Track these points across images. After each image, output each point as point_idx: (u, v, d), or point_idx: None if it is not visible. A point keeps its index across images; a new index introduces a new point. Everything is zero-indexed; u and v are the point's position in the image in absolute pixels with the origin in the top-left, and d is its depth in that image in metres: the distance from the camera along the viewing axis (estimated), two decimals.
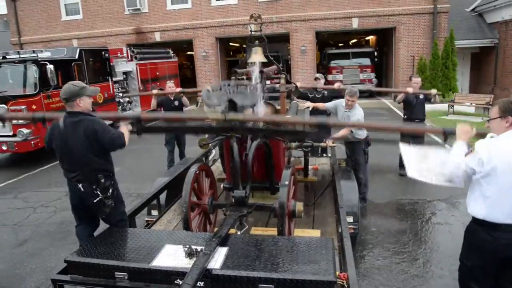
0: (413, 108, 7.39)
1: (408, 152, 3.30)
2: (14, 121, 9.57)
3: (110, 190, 3.51)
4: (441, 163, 3.07)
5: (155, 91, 8.05)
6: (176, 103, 8.02)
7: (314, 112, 6.91)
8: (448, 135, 3.06)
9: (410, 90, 7.17)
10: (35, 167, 9.79)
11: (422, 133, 3.23)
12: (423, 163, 3.19)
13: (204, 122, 3.50)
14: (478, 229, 2.87)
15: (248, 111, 3.60)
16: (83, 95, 3.39)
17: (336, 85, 7.16)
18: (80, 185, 3.43)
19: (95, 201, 3.44)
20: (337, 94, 7.25)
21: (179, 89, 8.42)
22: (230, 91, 3.33)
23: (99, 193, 3.43)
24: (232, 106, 3.33)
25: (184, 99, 8.12)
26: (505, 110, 2.80)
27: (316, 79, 7.52)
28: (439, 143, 3.21)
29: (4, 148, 9.70)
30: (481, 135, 3.00)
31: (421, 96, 7.34)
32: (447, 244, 5.05)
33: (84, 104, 3.42)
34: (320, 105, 6.37)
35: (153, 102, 8.14)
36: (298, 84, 6.60)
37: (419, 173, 3.19)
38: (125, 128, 3.67)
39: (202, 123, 3.57)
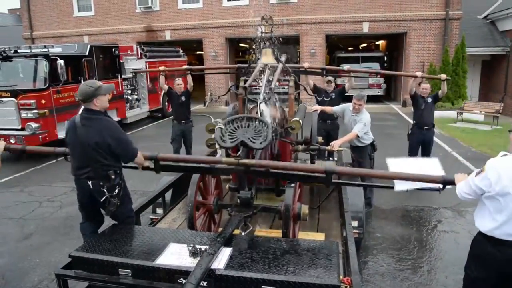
0: (422, 112, 7.33)
1: (397, 165, 3.26)
2: (23, 115, 9.68)
3: (117, 189, 3.51)
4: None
5: (161, 68, 8.06)
6: (183, 98, 8.05)
7: (322, 115, 6.91)
8: (446, 184, 3.01)
9: (419, 74, 7.08)
10: (42, 161, 9.86)
11: (421, 180, 3.20)
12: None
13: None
14: (485, 242, 2.84)
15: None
16: (98, 95, 3.42)
17: (346, 67, 6.96)
18: (89, 182, 3.44)
19: (102, 199, 3.46)
20: (344, 92, 7.28)
21: (185, 67, 8.53)
22: (241, 126, 3.33)
23: (105, 191, 3.44)
24: (244, 145, 3.37)
25: (189, 79, 8.08)
26: None
27: (328, 82, 7.48)
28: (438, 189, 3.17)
29: (13, 141, 9.76)
30: None
31: (429, 100, 7.29)
32: (452, 253, 5.00)
33: (100, 103, 3.45)
34: (328, 108, 6.36)
35: (161, 80, 8.15)
36: (306, 65, 6.59)
37: (408, 184, 3.19)
38: (141, 157, 3.65)
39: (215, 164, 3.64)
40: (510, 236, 2.70)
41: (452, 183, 2.97)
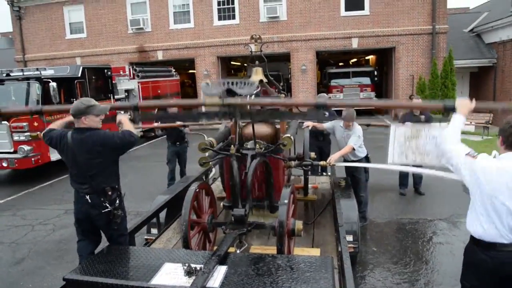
0: None
1: (398, 133, 3.22)
2: (16, 138, 9.65)
3: (118, 201, 3.55)
4: (433, 138, 3.05)
5: (155, 124, 8.04)
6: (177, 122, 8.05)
7: (314, 131, 6.94)
8: (448, 110, 2.98)
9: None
10: (34, 184, 9.79)
11: (422, 109, 3.19)
12: (412, 141, 3.14)
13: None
14: (475, 249, 2.88)
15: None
16: (89, 114, 3.44)
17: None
18: (87, 197, 3.46)
19: (103, 211, 3.45)
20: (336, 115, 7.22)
21: (179, 123, 7.13)
22: (228, 83, 3.36)
23: (107, 204, 3.46)
24: (230, 95, 3.38)
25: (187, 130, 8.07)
26: (500, 130, 2.91)
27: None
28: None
29: (5, 164, 9.72)
30: (481, 108, 2.98)
31: (422, 118, 7.38)
32: (449, 265, 5.00)
33: (89, 122, 3.47)
34: (319, 125, 6.38)
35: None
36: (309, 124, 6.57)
37: (401, 157, 3.16)
38: (125, 118, 3.71)
39: (199, 110, 3.58)
40: (497, 238, 2.73)
41: (453, 108, 2.98)
